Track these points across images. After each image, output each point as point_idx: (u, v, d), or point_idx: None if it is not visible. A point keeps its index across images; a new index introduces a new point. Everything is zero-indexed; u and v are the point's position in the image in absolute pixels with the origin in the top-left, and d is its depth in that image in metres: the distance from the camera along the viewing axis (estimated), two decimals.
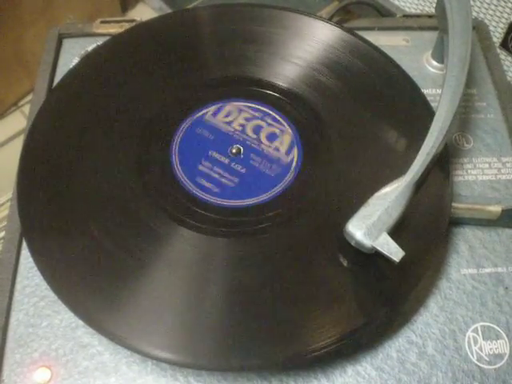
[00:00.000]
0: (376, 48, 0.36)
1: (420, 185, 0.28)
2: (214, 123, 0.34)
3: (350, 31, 0.37)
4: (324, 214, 0.30)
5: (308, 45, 0.36)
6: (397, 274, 0.28)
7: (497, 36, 0.55)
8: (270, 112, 0.34)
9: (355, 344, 0.29)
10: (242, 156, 0.32)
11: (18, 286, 0.31)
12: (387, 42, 0.42)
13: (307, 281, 0.28)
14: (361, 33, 0.38)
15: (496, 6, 0.53)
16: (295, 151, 0.32)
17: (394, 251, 0.26)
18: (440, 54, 0.39)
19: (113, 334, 0.26)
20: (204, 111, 0.34)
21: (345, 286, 0.28)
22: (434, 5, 0.36)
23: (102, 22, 0.43)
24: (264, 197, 0.31)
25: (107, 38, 0.38)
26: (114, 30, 0.42)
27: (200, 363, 0.26)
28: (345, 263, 0.28)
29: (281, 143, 0.33)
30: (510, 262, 0.32)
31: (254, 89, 0.35)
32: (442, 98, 0.30)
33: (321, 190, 0.31)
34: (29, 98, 0.81)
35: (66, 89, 0.35)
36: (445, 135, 0.29)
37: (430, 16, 0.44)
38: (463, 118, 0.38)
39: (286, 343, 0.26)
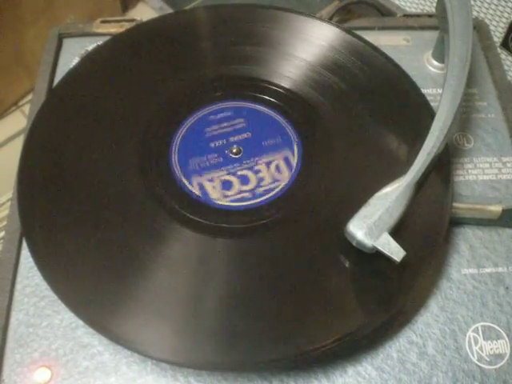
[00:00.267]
0: (376, 48, 0.36)
1: (421, 185, 0.28)
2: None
3: (349, 31, 0.37)
4: (325, 214, 0.30)
5: (307, 45, 0.36)
6: (398, 273, 0.28)
7: (497, 36, 0.55)
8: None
9: (355, 344, 0.29)
10: (240, 157, 0.32)
11: (18, 286, 0.31)
12: (388, 41, 0.42)
13: (308, 281, 0.28)
14: (361, 32, 0.38)
15: (496, 5, 0.53)
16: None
17: (394, 251, 0.25)
18: (440, 54, 0.39)
19: (113, 333, 0.26)
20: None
21: (346, 285, 0.28)
22: (435, 4, 0.36)
23: (103, 22, 0.43)
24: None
25: (107, 37, 0.38)
26: (115, 29, 0.42)
27: (200, 363, 0.26)
28: (346, 263, 0.28)
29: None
30: (510, 261, 0.32)
31: (255, 89, 0.35)
32: (442, 98, 0.30)
33: (321, 190, 0.31)
34: (29, 97, 0.81)
35: (66, 89, 0.35)
36: (445, 135, 0.29)
37: (430, 15, 0.44)
38: (464, 118, 0.38)
39: (287, 343, 0.26)
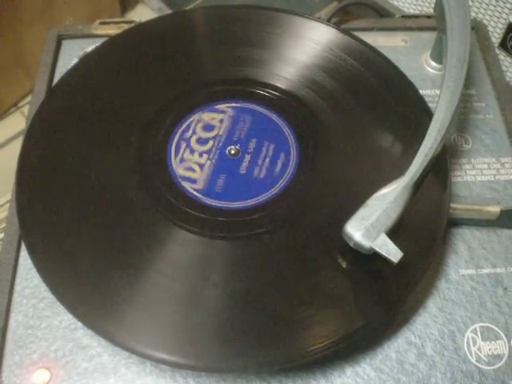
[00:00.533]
0: (373, 49, 0.36)
1: (418, 186, 0.28)
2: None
3: (348, 32, 0.37)
4: (323, 215, 0.30)
5: (306, 47, 0.36)
6: (395, 274, 0.28)
7: (495, 36, 0.55)
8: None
9: (354, 345, 0.29)
10: (239, 158, 0.33)
11: (17, 288, 0.31)
12: (386, 42, 0.42)
13: (306, 282, 0.28)
14: (359, 33, 0.38)
15: (495, 6, 0.53)
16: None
17: (392, 252, 0.26)
18: (439, 55, 0.39)
19: (112, 335, 0.26)
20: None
21: (343, 287, 0.28)
22: (433, 5, 0.36)
23: (101, 24, 0.43)
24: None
25: (106, 39, 0.39)
26: (113, 31, 0.42)
27: (199, 365, 0.26)
28: (343, 264, 0.28)
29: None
30: (508, 262, 0.32)
31: (253, 90, 0.35)
32: (440, 99, 0.30)
33: (319, 191, 0.31)
34: (29, 98, 0.81)
35: (64, 89, 0.35)
36: (443, 136, 0.29)
37: (428, 16, 0.44)
38: (462, 119, 0.38)
39: (285, 344, 0.26)
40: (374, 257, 0.26)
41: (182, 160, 0.32)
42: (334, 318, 0.27)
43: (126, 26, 0.42)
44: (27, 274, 0.31)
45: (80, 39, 0.42)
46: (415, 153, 0.28)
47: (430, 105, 0.34)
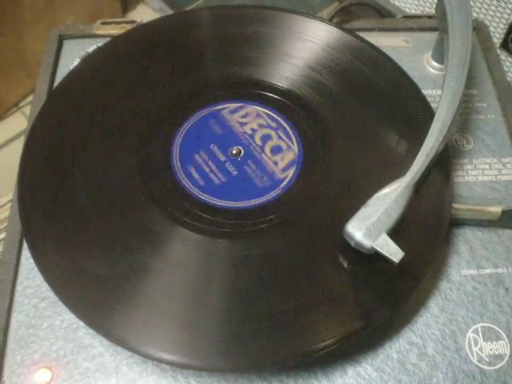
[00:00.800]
0: (376, 49, 0.36)
1: (420, 185, 0.28)
2: (229, 120, 0.34)
3: (351, 32, 0.37)
4: (324, 215, 0.30)
5: (309, 46, 0.36)
6: (397, 274, 0.28)
7: (497, 37, 0.55)
8: (285, 125, 0.34)
9: (355, 345, 0.29)
10: (239, 159, 0.33)
11: (18, 287, 0.31)
12: (387, 42, 0.42)
13: (307, 282, 0.28)
14: (361, 34, 0.38)
15: (496, 6, 0.53)
16: (292, 170, 0.32)
17: (393, 252, 0.26)
18: (440, 55, 0.39)
19: (114, 335, 0.26)
20: (208, 110, 0.34)
21: (344, 287, 0.28)
22: (434, 5, 0.36)
23: (103, 24, 0.43)
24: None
25: (108, 39, 0.39)
26: (115, 31, 0.42)
27: (201, 364, 0.26)
28: (344, 264, 0.28)
29: (282, 159, 0.33)
30: (510, 262, 0.32)
31: (255, 90, 0.35)
32: (441, 99, 0.30)
33: (321, 191, 0.31)
34: (30, 98, 0.81)
35: (66, 90, 0.35)
36: (445, 136, 0.29)
37: (430, 17, 0.44)
38: (463, 119, 0.38)
39: (287, 344, 0.26)
40: (375, 257, 0.26)
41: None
42: (335, 317, 0.27)
43: (127, 26, 0.42)
44: (29, 273, 0.31)
45: (81, 39, 0.42)
46: (416, 153, 0.28)
47: (431, 105, 0.34)
